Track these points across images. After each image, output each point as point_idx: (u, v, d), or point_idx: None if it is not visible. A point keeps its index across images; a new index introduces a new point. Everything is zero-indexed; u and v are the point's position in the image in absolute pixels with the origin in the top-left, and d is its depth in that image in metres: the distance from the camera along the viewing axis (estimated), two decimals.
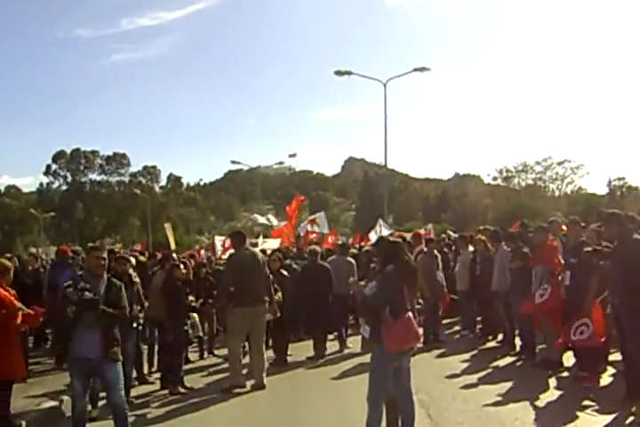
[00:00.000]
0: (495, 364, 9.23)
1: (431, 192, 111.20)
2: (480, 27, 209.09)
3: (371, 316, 5.56)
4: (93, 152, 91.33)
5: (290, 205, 20.77)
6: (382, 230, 17.87)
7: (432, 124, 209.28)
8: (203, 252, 22.87)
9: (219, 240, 18.03)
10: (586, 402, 6.81)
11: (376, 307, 5.51)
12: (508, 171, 73.94)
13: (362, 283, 6.31)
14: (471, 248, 11.97)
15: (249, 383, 8.60)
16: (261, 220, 18.78)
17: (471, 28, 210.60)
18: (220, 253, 17.03)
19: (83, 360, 6.01)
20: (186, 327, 8.84)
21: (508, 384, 7.92)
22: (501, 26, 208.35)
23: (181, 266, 9.15)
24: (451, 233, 18.12)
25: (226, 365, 9.85)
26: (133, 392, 8.38)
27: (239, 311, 8.65)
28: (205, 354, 11.44)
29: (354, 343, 11.43)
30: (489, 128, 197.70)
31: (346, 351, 11.16)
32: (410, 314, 5.41)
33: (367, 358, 5.87)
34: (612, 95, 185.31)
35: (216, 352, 11.58)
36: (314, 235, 19.39)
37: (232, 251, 9.25)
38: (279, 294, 9.65)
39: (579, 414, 6.45)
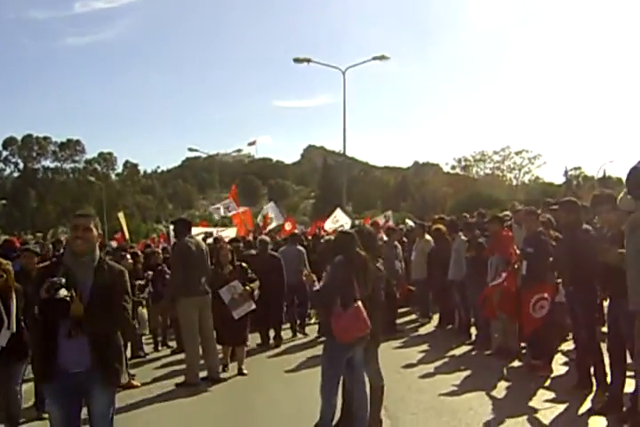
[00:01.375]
0: (451, 353, 9.24)
1: (391, 180, 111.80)
2: (439, 15, 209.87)
3: (323, 307, 5.51)
4: (46, 138, 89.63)
5: (231, 194, 20.52)
6: (340, 219, 17.79)
7: (392, 113, 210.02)
8: (160, 241, 22.64)
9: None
10: (540, 391, 6.86)
11: (326, 298, 5.50)
12: (466, 160, 74.89)
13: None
14: (428, 237, 11.98)
15: (202, 374, 8.46)
16: (221, 212, 18.41)
17: (431, 17, 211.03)
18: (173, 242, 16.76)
19: (63, 377, 4.17)
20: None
21: (464, 374, 7.93)
22: (461, 14, 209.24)
23: (128, 257, 8.87)
24: (409, 222, 18.12)
25: (180, 356, 9.71)
26: None
27: (187, 302, 8.43)
28: (159, 346, 11.26)
29: (311, 331, 11.43)
30: (448, 117, 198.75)
31: (301, 341, 11.12)
32: (359, 304, 5.35)
33: (321, 347, 5.81)
34: (569, 86, 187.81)
35: (170, 344, 11.39)
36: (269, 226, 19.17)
37: (180, 240, 8.90)
38: (256, 283, 9.06)
39: (533, 403, 6.49)
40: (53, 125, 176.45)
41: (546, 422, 5.93)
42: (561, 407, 6.22)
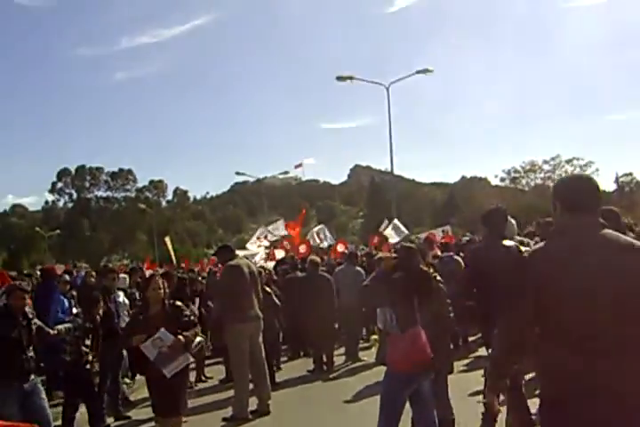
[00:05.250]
0: (526, 376, 8.38)
1: (439, 196, 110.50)
2: (481, 26, 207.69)
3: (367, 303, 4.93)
4: (98, 169, 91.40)
5: (294, 221, 20.04)
6: (401, 230, 17.04)
7: (437, 127, 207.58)
8: (208, 264, 22.29)
9: None
10: None
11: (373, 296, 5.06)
12: (516, 171, 72.97)
13: None
14: None
15: (251, 408, 7.83)
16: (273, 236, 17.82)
17: (473, 29, 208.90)
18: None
19: None
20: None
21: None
22: (503, 25, 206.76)
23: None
24: (469, 234, 17.35)
25: (224, 388, 9.15)
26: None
27: (238, 329, 7.84)
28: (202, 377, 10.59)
29: (368, 356, 10.74)
30: (494, 129, 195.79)
31: (358, 365, 10.47)
32: (419, 329, 4.69)
33: (381, 373, 5.13)
34: (615, 91, 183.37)
35: (209, 374, 10.67)
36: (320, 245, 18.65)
37: (231, 262, 8.28)
38: (196, 330, 6.70)
39: None
40: (105, 157, 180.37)
41: None
42: None
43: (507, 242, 5.45)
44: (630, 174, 72.12)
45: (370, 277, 5.21)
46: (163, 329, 6.05)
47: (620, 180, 69.93)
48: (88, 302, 7.51)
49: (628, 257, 2.78)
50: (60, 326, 6.82)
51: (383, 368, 5.19)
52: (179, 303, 6.53)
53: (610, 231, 2.90)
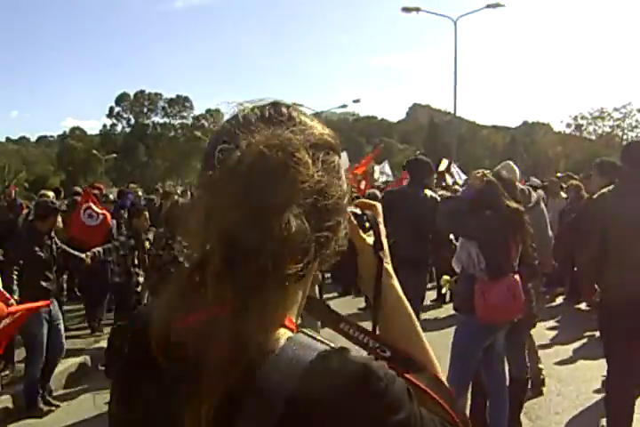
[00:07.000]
0: (590, 332, 7.74)
1: (499, 140, 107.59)
2: None
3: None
4: (157, 94, 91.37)
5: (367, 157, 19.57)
6: (460, 175, 16.23)
7: (501, 68, 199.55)
8: None
9: None
10: None
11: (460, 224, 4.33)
12: (583, 117, 69.80)
13: None
14: (563, 195, 10.63)
15: None
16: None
17: None
18: None
19: None
20: None
21: None
22: None
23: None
24: (534, 179, 16.43)
25: None
26: None
27: None
28: None
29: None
30: (562, 72, 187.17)
31: None
32: (517, 277, 3.98)
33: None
34: None
35: None
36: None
37: None
38: None
39: None
40: (164, 83, 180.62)
41: None
42: None
43: (428, 191, 6.00)
44: None
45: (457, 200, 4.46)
46: None
47: None
48: (131, 215, 6.88)
49: None
50: (95, 249, 6.32)
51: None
52: None
53: None
